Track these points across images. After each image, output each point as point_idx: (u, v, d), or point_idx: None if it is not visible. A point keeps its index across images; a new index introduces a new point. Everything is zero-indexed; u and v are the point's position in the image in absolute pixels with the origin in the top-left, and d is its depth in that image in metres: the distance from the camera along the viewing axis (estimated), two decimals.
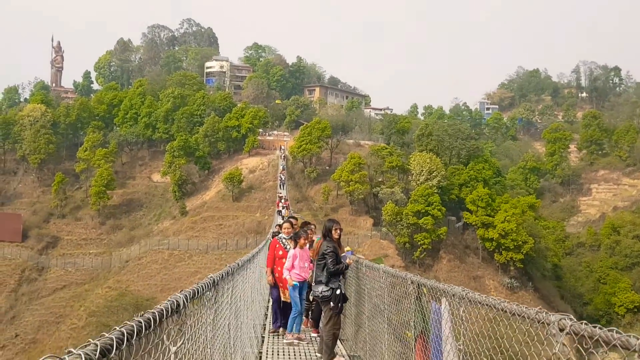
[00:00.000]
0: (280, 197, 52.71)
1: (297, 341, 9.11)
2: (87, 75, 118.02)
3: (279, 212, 44.23)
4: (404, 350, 6.13)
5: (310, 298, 9.50)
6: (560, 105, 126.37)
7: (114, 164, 72.47)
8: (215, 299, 4.29)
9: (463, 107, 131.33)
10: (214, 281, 4.17)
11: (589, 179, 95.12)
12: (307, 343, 9.18)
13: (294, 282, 9.06)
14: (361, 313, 8.55)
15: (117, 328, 1.76)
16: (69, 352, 1.39)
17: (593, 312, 62.18)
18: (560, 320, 2.33)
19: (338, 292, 8.00)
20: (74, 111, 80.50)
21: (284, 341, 9.15)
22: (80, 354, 1.35)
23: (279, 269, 9.72)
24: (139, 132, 78.25)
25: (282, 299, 9.93)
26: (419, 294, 5.60)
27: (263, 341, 9.49)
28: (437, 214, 58.29)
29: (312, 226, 10.82)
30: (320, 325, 9.15)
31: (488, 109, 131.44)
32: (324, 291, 8.03)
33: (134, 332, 1.76)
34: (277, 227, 11.49)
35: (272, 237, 11.56)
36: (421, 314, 5.56)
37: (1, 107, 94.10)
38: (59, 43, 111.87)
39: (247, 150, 75.31)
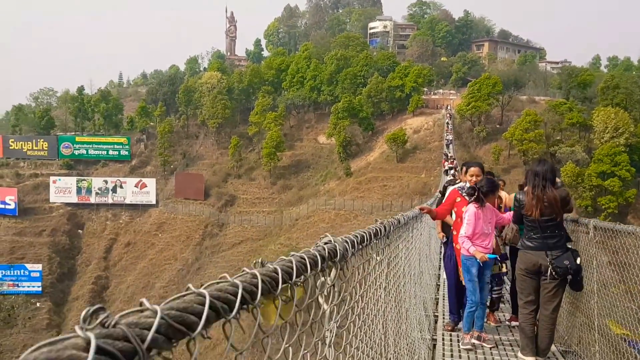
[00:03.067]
0: (447, 156, 50.64)
1: (478, 342, 6.56)
2: (257, 42, 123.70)
3: (446, 172, 42.35)
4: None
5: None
6: None
7: (282, 127, 75.13)
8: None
9: None
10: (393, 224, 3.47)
11: None
12: (492, 347, 6.58)
13: (488, 255, 6.29)
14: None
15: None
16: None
17: None
18: None
19: (579, 260, 5.69)
20: (246, 77, 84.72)
21: (461, 346, 6.61)
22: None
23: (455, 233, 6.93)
24: (305, 95, 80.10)
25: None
26: None
27: (434, 345, 6.82)
28: (625, 175, 52.12)
29: (501, 182, 8.40)
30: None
31: None
32: (573, 262, 5.61)
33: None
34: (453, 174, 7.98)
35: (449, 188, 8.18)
36: None
37: (184, 76, 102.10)
38: (232, 14, 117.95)
39: (412, 110, 73.53)
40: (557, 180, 6.25)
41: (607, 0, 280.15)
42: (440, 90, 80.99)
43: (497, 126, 67.94)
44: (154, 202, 72.99)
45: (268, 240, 63.21)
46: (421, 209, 6.74)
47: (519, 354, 6.07)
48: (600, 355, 6.01)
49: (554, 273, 5.55)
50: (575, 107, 62.28)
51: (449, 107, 73.05)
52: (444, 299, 8.62)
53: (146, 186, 73.73)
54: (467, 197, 6.62)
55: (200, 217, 68.73)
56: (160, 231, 68.97)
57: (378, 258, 2.94)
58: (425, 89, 77.57)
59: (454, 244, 7.02)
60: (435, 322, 7.77)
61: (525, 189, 5.97)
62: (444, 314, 7.99)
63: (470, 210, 6.33)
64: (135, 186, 73.80)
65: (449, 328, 7.37)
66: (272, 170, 71.85)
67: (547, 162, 5.99)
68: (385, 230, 3.01)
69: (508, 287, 8.16)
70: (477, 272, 6.41)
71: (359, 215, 60.51)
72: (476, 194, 6.37)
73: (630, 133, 57.20)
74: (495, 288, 7.51)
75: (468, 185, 6.84)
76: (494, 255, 6.34)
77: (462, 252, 6.46)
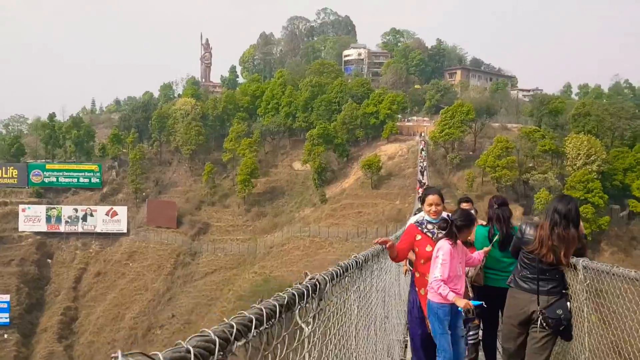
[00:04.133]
0: (422, 183, 50.69)
1: None
2: (233, 69, 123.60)
3: (419, 199, 42.27)
4: None
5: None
6: None
7: (257, 153, 74.76)
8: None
9: (625, 85, 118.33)
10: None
11: None
12: None
13: (472, 302, 5.25)
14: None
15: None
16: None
17: None
18: None
19: (568, 305, 5.08)
20: (220, 104, 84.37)
21: None
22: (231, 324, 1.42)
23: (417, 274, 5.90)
24: (280, 122, 80.00)
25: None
26: None
27: None
28: (598, 202, 52.87)
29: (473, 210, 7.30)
30: None
31: None
32: (567, 311, 5.01)
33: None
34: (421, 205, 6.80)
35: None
36: None
37: (158, 102, 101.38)
38: (207, 40, 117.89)
39: (386, 137, 73.83)
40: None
41: (578, 29, 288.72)
42: (414, 118, 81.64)
43: (470, 153, 68.50)
44: (125, 230, 71.52)
45: (242, 269, 62.25)
46: (383, 243, 5.55)
47: None
48: None
49: (544, 324, 4.89)
50: (548, 134, 63.21)
51: (422, 134, 73.55)
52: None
53: (117, 214, 72.29)
54: (432, 234, 5.64)
55: (172, 245, 67.50)
56: (131, 260, 67.47)
57: (307, 329, 2.36)
58: (399, 116, 78.14)
59: (417, 289, 5.85)
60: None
61: (540, 223, 5.12)
62: None
63: (445, 247, 5.26)
64: (106, 214, 72.33)
65: None
66: (246, 197, 71.16)
67: (572, 201, 5.16)
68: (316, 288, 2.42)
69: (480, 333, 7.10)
70: (454, 322, 5.42)
71: (334, 243, 60.09)
72: (449, 228, 5.34)
73: (602, 160, 58.16)
74: (471, 333, 6.70)
75: (426, 217, 5.88)
76: (478, 302, 5.30)
77: (432, 298, 5.32)
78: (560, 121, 68.74)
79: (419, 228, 5.78)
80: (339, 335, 3.35)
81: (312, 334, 2.44)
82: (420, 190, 46.04)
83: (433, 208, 5.93)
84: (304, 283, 2.33)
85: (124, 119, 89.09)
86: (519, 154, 61.64)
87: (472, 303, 5.14)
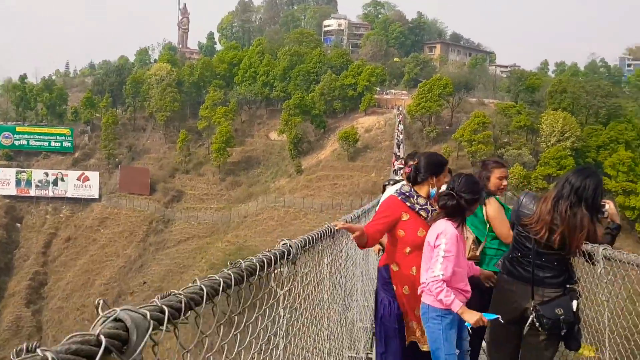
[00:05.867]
0: (397, 156, 50.64)
1: None
2: (210, 36, 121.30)
3: (395, 171, 42.30)
4: None
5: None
6: None
7: (233, 122, 73.82)
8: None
9: (600, 64, 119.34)
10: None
11: None
12: None
13: (486, 315, 3.70)
14: None
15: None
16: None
17: None
18: None
19: (575, 305, 3.85)
20: (197, 70, 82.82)
21: None
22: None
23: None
24: (257, 91, 78.95)
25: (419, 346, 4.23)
26: None
27: None
28: None
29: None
30: None
31: (629, 65, 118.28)
32: (569, 312, 3.82)
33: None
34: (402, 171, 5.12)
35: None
36: None
37: (133, 67, 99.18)
38: (185, 5, 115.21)
39: (364, 109, 73.46)
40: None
41: (557, 7, 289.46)
42: (392, 91, 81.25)
43: (447, 127, 68.59)
44: (96, 196, 70.43)
45: (215, 238, 61.88)
46: (347, 230, 4.08)
47: None
48: None
49: (537, 324, 3.79)
50: (524, 110, 63.51)
51: (400, 108, 73.32)
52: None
53: (89, 179, 71.08)
54: (426, 213, 4.11)
55: (145, 212, 66.74)
56: (102, 226, 66.60)
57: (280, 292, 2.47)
58: (378, 89, 77.65)
59: (394, 287, 4.28)
60: None
61: (546, 194, 4.00)
62: None
63: (449, 232, 3.73)
64: (77, 179, 71.05)
65: None
66: (221, 166, 70.45)
67: (593, 175, 3.92)
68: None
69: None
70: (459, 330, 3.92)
71: (309, 214, 60.01)
72: (454, 204, 3.79)
73: (576, 137, 58.75)
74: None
75: (406, 188, 4.24)
76: (494, 315, 3.76)
77: (432, 303, 3.79)
78: (537, 98, 69.06)
79: (406, 204, 4.15)
80: (309, 299, 3.25)
81: (284, 296, 2.46)
82: (396, 163, 46.02)
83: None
84: (276, 247, 2.35)
85: (98, 83, 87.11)
86: (494, 129, 61.92)
87: (486, 317, 3.65)
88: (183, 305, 1.27)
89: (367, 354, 5.89)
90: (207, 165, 72.72)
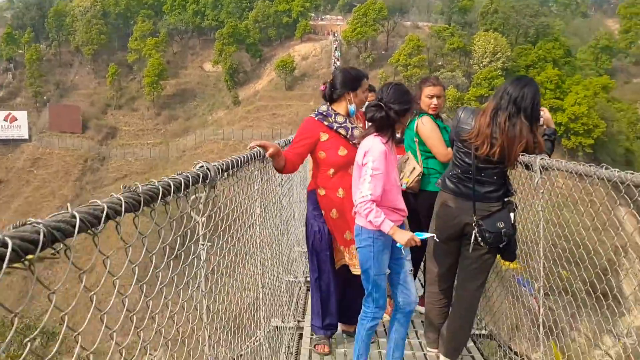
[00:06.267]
0: None
1: None
2: None
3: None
4: None
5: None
6: None
7: (165, 54, 71.36)
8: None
9: None
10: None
11: None
12: None
13: (417, 234, 3.46)
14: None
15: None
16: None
17: None
18: None
19: (512, 216, 3.82)
20: (123, 0, 78.76)
21: None
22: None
23: (322, 190, 4.16)
24: (188, 20, 76.07)
25: (351, 269, 4.23)
26: None
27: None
28: None
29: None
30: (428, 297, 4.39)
31: None
32: (509, 224, 3.78)
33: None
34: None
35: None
36: None
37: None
38: None
39: (299, 36, 72.23)
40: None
41: None
42: (328, 16, 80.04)
43: (383, 52, 68.59)
44: (26, 136, 67.52)
45: (154, 174, 60.90)
46: (263, 147, 3.57)
47: (428, 348, 4.48)
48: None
49: (479, 239, 3.78)
50: (457, 32, 64.04)
51: (336, 34, 72.51)
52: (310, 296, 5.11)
53: (16, 119, 67.81)
54: (346, 131, 4.01)
55: (78, 151, 64.70)
56: (35, 167, 64.30)
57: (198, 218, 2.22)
58: (313, 15, 76.27)
59: (322, 212, 4.20)
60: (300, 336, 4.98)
61: (485, 105, 3.84)
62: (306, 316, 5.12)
63: (376, 149, 3.45)
64: (4, 120, 67.65)
65: (324, 350, 4.43)
66: (155, 100, 68.53)
67: (531, 84, 3.68)
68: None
69: None
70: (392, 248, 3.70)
71: (249, 145, 59.71)
72: (382, 117, 3.49)
73: (507, 57, 59.99)
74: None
75: (334, 110, 4.08)
76: (427, 234, 3.57)
77: (364, 225, 3.59)
78: (469, 19, 69.66)
79: (324, 123, 4.02)
80: (236, 225, 3.10)
81: (203, 224, 2.28)
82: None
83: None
84: (193, 170, 2.12)
85: (17, 17, 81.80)
86: (429, 53, 62.40)
87: (418, 236, 3.45)
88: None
89: (306, 277, 5.89)
90: (141, 100, 70.57)
